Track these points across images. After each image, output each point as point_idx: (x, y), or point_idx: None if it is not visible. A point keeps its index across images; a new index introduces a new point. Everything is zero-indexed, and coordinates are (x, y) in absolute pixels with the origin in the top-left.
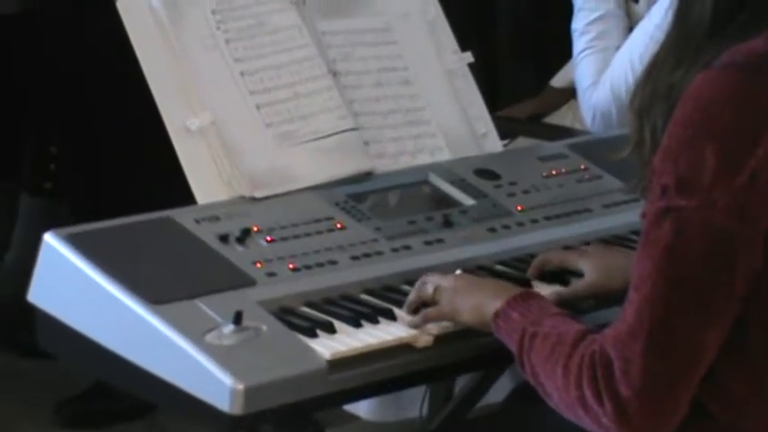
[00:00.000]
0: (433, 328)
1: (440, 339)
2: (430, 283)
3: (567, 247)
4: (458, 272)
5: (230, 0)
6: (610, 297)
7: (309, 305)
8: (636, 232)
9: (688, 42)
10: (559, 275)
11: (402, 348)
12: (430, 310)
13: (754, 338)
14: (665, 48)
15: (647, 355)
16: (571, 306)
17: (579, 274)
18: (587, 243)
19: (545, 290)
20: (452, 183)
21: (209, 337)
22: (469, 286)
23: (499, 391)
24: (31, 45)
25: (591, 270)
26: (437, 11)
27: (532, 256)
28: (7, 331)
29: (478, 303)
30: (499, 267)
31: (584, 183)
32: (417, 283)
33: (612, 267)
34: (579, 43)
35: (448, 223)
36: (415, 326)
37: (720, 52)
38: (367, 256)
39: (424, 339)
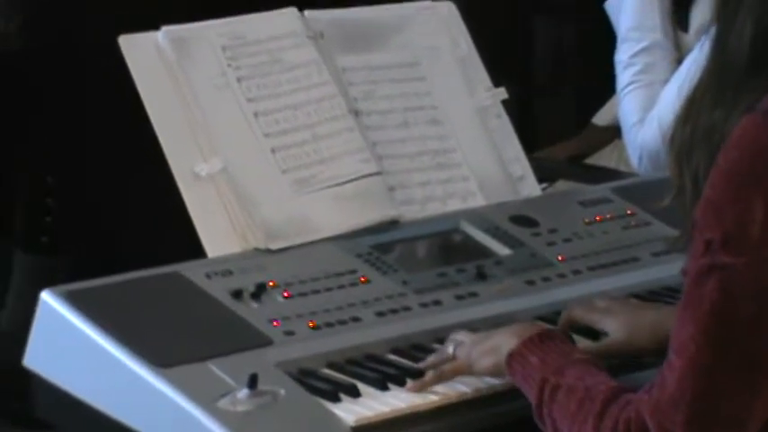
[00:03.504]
0: (435, 395)
1: (451, 407)
2: (452, 342)
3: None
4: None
5: (242, 35)
6: (636, 356)
7: (331, 366)
8: None
9: (726, 79)
10: (590, 330)
11: (434, 413)
12: (445, 367)
13: None
14: (704, 84)
15: (690, 427)
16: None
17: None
18: (634, 296)
19: None
20: (486, 231)
21: (222, 403)
22: (489, 333)
23: None
24: (23, 90)
25: (615, 329)
26: (468, 45)
27: None
28: (3, 399)
29: (494, 346)
30: (539, 323)
31: (631, 229)
32: (446, 342)
33: (638, 325)
34: (624, 77)
35: (482, 275)
36: (423, 385)
37: (763, 93)
38: (394, 312)
39: (427, 406)
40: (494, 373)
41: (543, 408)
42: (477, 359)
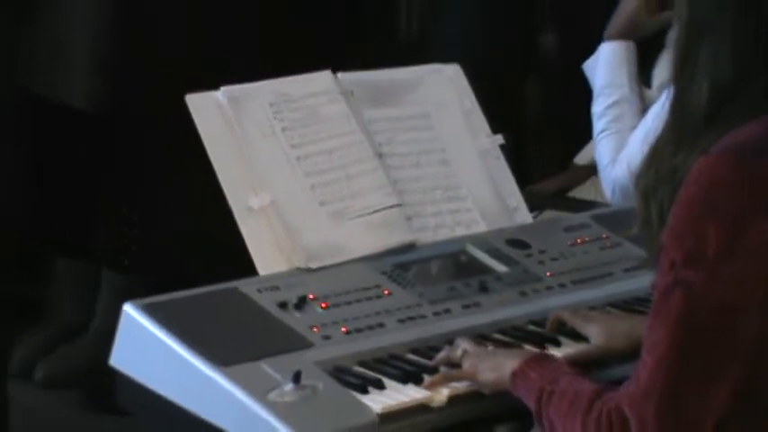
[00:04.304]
0: (446, 389)
1: (458, 398)
2: (460, 348)
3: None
4: (488, 346)
5: (286, 93)
6: (613, 358)
7: (361, 364)
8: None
9: (686, 130)
10: (575, 333)
11: (446, 403)
12: (453, 372)
13: (761, 398)
14: (665, 134)
15: (660, 415)
16: (581, 367)
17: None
18: (610, 305)
19: (562, 352)
20: (487, 252)
21: (272, 395)
22: (491, 351)
23: None
24: (106, 139)
25: (596, 335)
26: (471, 100)
27: None
28: (93, 393)
29: (498, 363)
30: (531, 327)
31: (607, 250)
32: (454, 344)
33: (616, 331)
34: (598, 125)
35: (484, 288)
36: (434, 384)
37: (717, 138)
38: (412, 319)
39: (439, 399)
40: (496, 385)
41: (542, 411)
42: (482, 372)
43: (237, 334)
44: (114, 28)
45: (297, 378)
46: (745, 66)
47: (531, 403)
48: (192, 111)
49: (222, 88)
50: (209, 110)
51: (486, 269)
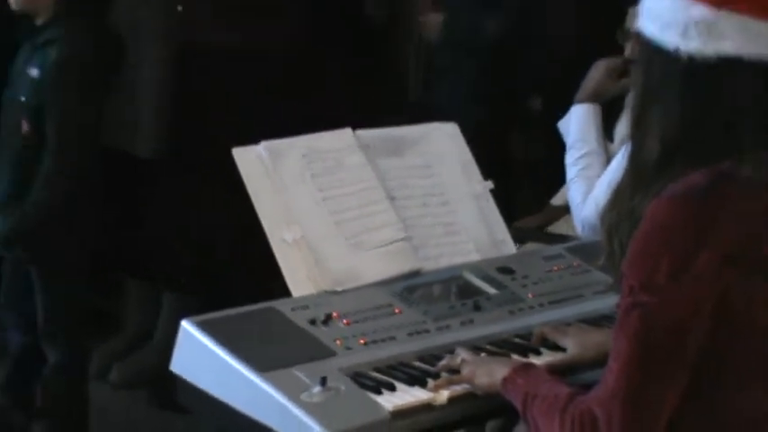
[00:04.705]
0: (447, 391)
1: (457, 399)
2: (459, 357)
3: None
4: (482, 355)
5: (315, 146)
6: (585, 365)
7: (376, 370)
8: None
9: (641, 176)
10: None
11: (448, 402)
12: (454, 376)
13: (707, 398)
14: (625, 180)
15: (624, 413)
16: (559, 372)
17: (563, 348)
18: (581, 321)
19: (542, 360)
20: (480, 277)
21: (303, 396)
22: (485, 360)
23: None
24: (169, 183)
25: (572, 346)
26: (467, 153)
27: None
28: (158, 393)
29: (491, 370)
30: (517, 340)
31: (578, 276)
32: (454, 354)
33: (588, 343)
34: (570, 173)
35: (477, 307)
36: (437, 386)
37: (667, 184)
38: (418, 333)
39: (440, 399)
40: (489, 388)
41: (527, 411)
42: (478, 377)
43: (274, 345)
44: (174, 94)
45: (323, 382)
46: (690, 125)
47: (517, 404)
48: (237, 161)
49: (262, 143)
50: (252, 160)
51: (479, 291)
